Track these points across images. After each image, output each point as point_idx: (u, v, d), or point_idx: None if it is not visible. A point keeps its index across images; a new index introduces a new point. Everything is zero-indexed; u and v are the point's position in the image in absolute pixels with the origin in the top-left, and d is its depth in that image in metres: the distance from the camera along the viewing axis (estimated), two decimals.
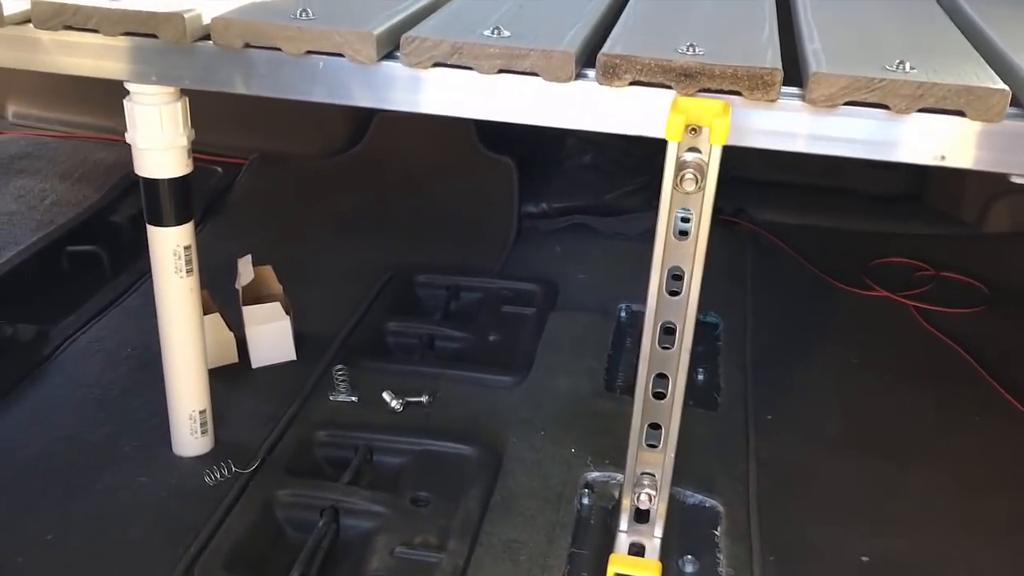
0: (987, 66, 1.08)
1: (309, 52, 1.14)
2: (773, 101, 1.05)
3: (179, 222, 1.38)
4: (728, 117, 1.06)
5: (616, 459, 1.52)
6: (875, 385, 1.83)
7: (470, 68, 1.11)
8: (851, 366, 1.89)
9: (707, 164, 1.09)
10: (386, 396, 1.67)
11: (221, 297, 1.80)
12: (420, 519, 1.42)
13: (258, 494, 1.45)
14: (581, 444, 1.59)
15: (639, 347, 1.25)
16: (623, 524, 1.37)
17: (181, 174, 1.36)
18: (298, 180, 2.55)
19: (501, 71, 1.11)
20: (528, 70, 1.10)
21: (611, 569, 1.31)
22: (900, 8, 1.37)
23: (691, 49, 1.08)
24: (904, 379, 1.85)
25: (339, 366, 1.71)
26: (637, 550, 1.36)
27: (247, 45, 1.16)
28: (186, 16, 1.15)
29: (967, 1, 1.38)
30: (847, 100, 1.03)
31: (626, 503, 1.35)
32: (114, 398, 1.68)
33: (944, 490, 1.57)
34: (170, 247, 1.39)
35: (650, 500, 1.32)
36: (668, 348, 1.23)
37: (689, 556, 1.38)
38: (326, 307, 1.95)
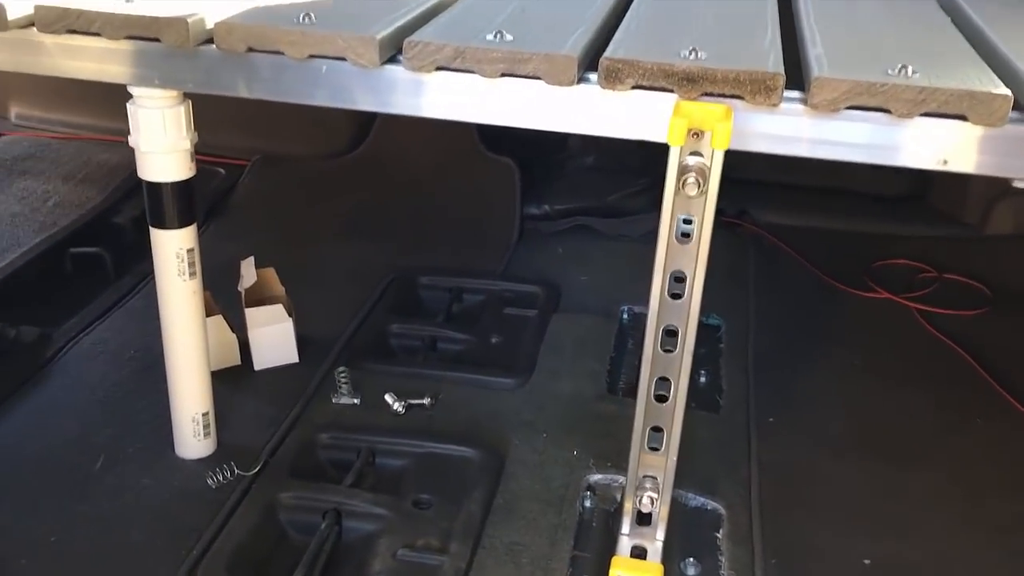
0: (990, 70, 1.08)
1: (312, 56, 1.15)
2: (775, 106, 1.05)
3: (182, 225, 1.39)
4: (730, 122, 1.06)
5: (618, 461, 1.52)
6: (877, 387, 1.83)
7: (472, 72, 1.11)
8: (853, 368, 1.89)
9: (709, 168, 1.10)
10: (388, 398, 1.67)
11: (224, 298, 1.80)
12: (422, 522, 1.42)
13: (261, 496, 1.45)
14: (583, 446, 1.59)
15: (641, 349, 1.25)
16: (625, 527, 1.37)
17: (184, 177, 1.36)
18: (301, 181, 2.55)
19: (503, 75, 1.11)
20: (531, 74, 1.10)
21: (613, 572, 1.31)
22: (902, 11, 1.37)
23: (693, 53, 1.08)
24: (906, 381, 1.85)
25: (341, 368, 1.71)
26: (639, 553, 1.36)
27: (250, 49, 1.16)
28: (189, 20, 1.15)
29: (970, 4, 1.38)
30: (849, 104, 1.03)
31: (628, 506, 1.35)
32: (117, 400, 1.68)
33: (946, 492, 1.57)
34: (173, 250, 1.40)
35: (652, 503, 1.33)
36: (670, 352, 1.23)
37: (691, 559, 1.38)
38: (328, 309, 1.95)
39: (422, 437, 1.60)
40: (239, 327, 1.77)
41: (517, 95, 1.12)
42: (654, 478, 1.32)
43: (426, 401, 1.68)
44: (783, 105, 1.06)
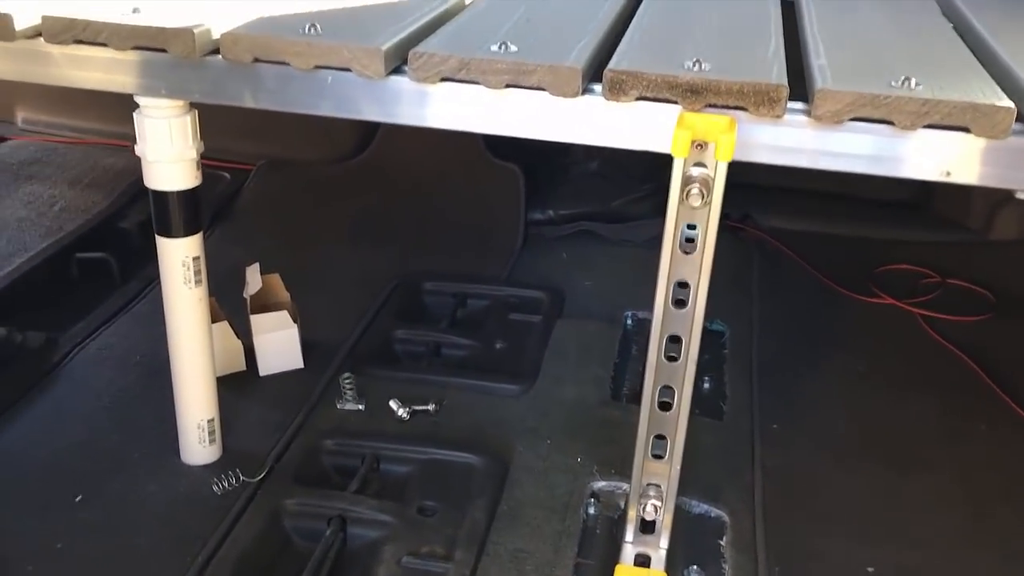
0: (993, 82, 1.08)
1: (317, 67, 1.15)
2: (779, 117, 1.06)
3: (188, 233, 1.39)
4: (734, 133, 1.06)
5: (622, 468, 1.52)
6: (881, 393, 1.84)
7: (477, 83, 1.12)
8: (857, 374, 1.90)
9: (713, 180, 1.10)
10: (393, 404, 1.68)
11: (229, 304, 1.80)
12: (427, 528, 1.42)
13: (266, 503, 1.46)
14: (587, 453, 1.59)
15: (645, 355, 1.25)
16: (629, 535, 1.37)
17: (190, 186, 1.37)
18: (305, 186, 2.56)
19: (508, 86, 1.11)
20: (535, 85, 1.10)
21: None
22: (906, 21, 1.37)
23: (697, 65, 1.08)
24: (910, 387, 1.85)
25: (346, 374, 1.72)
26: (643, 561, 1.36)
27: (256, 60, 1.17)
28: (196, 31, 1.16)
29: (973, 12, 1.38)
30: (852, 116, 1.03)
31: (632, 514, 1.36)
32: (123, 406, 1.69)
33: (950, 499, 1.57)
34: (179, 258, 1.40)
35: (656, 511, 1.33)
36: (674, 360, 1.24)
37: (695, 567, 1.39)
38: (333, 314, 1.96)
39: (426, 443, 1.60)
40: (244, 333, 1.78)
41: (522, 106, 1.12)
42: (658, 486, 1.33)
43: (430, 407, 1.69)
44: (787, 116, 1.06)
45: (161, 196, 1.37)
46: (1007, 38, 1.25)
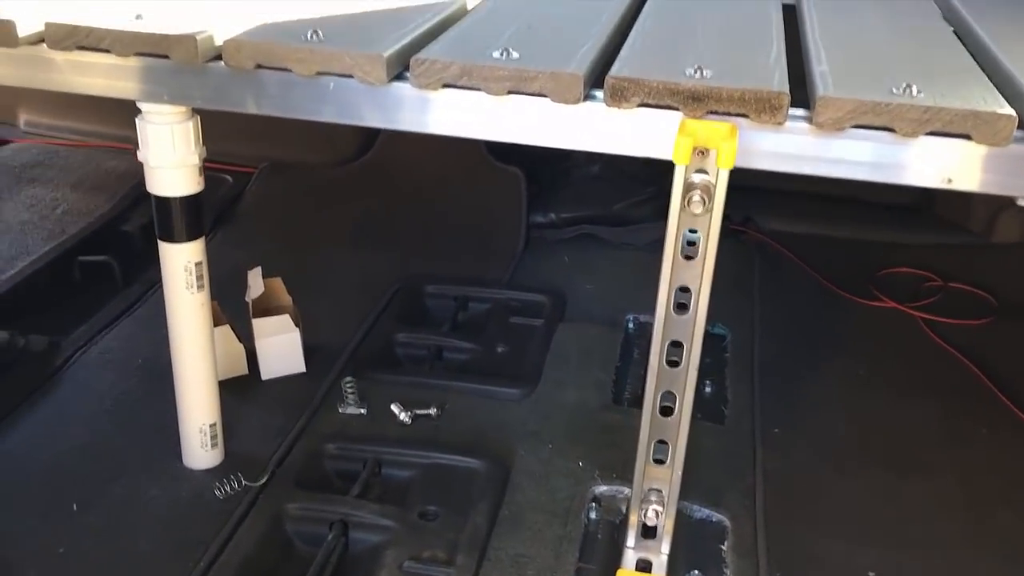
0: (995, 90, 1.08)
1: (320, 73, 1.15)
2: (780, 124, 1.06)
3: (190, 238, 1.40)
4: (735, 140, 1.06)
5: (623, 473, 1.52)
6: (882, 397, 1.84)
7: (479, 90, 1.12)
8: (858, 378, 1.90)
9: (715, 186, 1.10)
10: (395, 408, 1.68)
11: (231, 307, 1.81)
12: (428, 533, 1.43)
13: (267, 507, 1.46)
14: (588, 458, 1.59)
15: (647, 359, 1.25)
16: (630, 540, 1.37)
17: (193, 192, 1.37)
18: (307, 189, 2.56)
19: (510, 92, 1.11)
20: (537, 92, 1.11)
21: None
22: (907, 25, 1.37)
23: (699, 71, 1.09)
24: (911, 391, 1.85)
25: (348, 378, 1.72)
26: (644, 566, 1.36)
27: (258, 66, 1.17)
28: (198, 38, 1.16)
29: (974, 18, 1.38)
30: (854, 124, 1.04)
31: (633, 519, 1.36)
32: (125, 409, 1.69)
33: (952, 503, 1.57)
34: (181, 263, 1.41)
35: (657, 516, 1.33)
36: (675, 365, 1.24)
37: (696, 571, 1.39)
38: (335, 318, 1.96)
39: (428, 448, 1.61)
40: (246, 337, 1.78)
41: (523, 113, 1.12)
42: (659, 491, 1.33)
43: (432, 411, 1.69)
44: (788, 123, 1.06)
45: (163, 201, 1.37)
46: (1009, 45, 1.25)
